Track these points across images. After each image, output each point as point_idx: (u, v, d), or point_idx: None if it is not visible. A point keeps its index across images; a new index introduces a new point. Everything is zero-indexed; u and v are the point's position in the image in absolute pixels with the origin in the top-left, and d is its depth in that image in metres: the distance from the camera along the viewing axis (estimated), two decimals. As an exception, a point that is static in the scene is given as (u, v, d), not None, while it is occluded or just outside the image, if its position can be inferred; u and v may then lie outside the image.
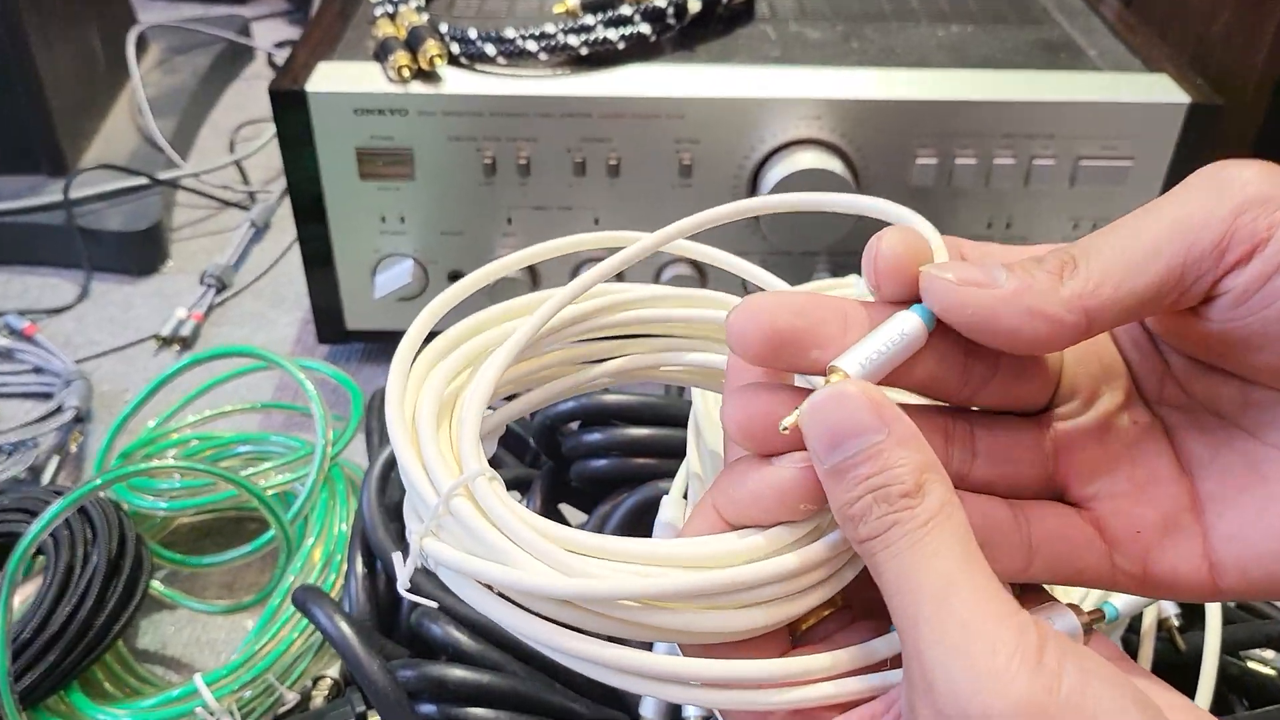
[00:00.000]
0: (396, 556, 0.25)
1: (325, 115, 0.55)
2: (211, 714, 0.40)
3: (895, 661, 0.23)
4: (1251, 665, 0.43)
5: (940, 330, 0.23)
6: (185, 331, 0.65)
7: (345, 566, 0.43)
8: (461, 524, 0.23)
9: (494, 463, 0.46)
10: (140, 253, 0.70)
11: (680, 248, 0.31)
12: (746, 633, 0.23)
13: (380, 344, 0.65)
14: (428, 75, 0.55)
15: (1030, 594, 0.25)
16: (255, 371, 0.54)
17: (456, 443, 0.25)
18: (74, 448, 0.56)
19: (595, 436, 0.40)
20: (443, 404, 0.27)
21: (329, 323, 0.62)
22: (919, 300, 0.23)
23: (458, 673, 0.34)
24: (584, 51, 0.56)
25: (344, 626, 0.33)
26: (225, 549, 0.49)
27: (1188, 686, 0.38)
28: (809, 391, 0.23)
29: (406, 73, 0.54)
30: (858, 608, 0.25)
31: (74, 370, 0.60)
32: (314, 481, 0.45)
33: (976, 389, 0.24)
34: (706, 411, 0.34)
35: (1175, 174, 0.57)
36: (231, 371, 0.53)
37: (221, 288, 0.69)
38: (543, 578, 0.22)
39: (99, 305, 0.68)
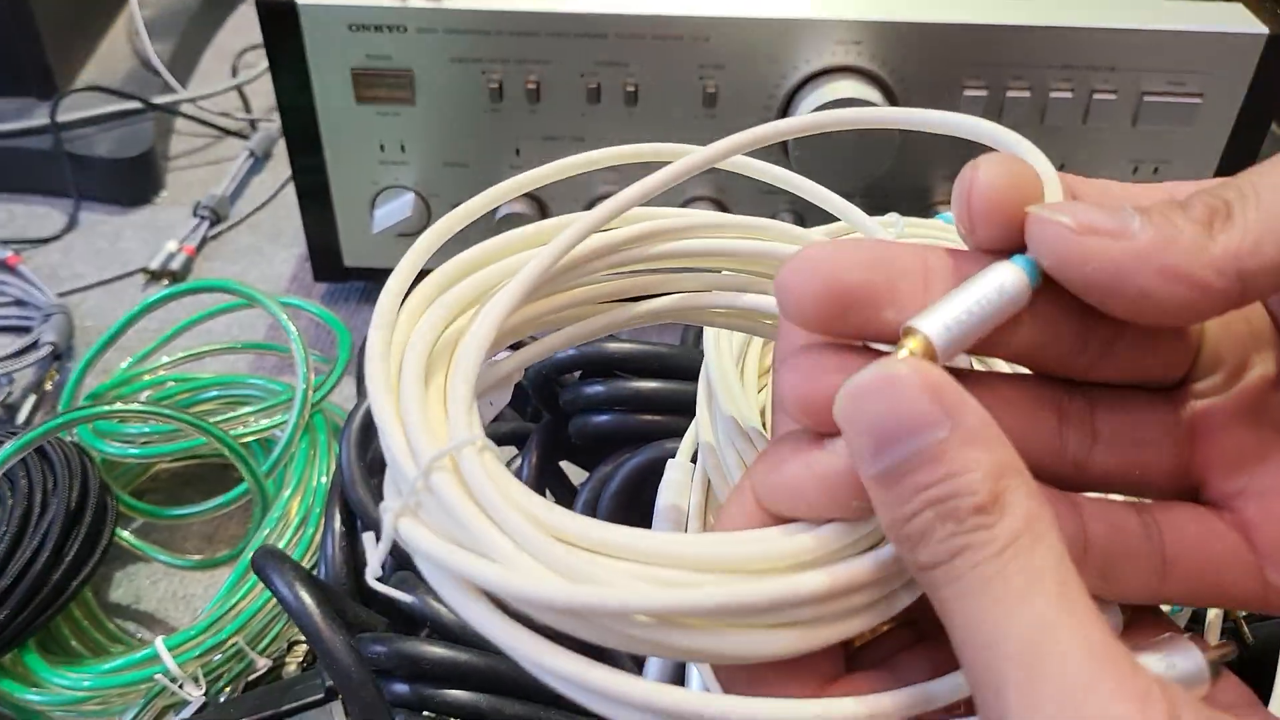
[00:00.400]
0: (368, 538, 0.21)
1: (318, 31, 0.50)
2: (174, 680, 0.37)
3: (966, 707, 0.18)
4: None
5: (1049, 287, 0.18)
6: (175, 265, 0.61)
7: (323, 523, 0.40)
8: (442, 504, 0.19)
9: (494, 416, 0.43)
10: (131, 181, 0.67)
11: (739, 165, 0.26)
12: (779, 656, 0.18)
13: (379, 283, 0.61)
14: (429, -11, 0.51)
15: (1141, 616, 0.20)
16: (240, 309, 0.51)
17: (449, 402, 0.21)
18: (50, 386, 0.53)
19: (597, 389, 0.36)
20: (437, 352, 0.22)
21: (325, 259, 0.58)
22: (1023, 249, 0.18)
23: (434, 650, 0.31)
24: (600, -35, 0.51)
25: (304, 595, 0.30)
26: (210, 497, 0.45)
27: (1258, 683, 0.34)
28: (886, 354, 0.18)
29: (405, -15, 0.50)
30: (925, 622, 0.20)
31: (55, 304, 0.57)
32: (293, 429, 0.42)
33: (1095, 359, 0.19)
34: (720, 366, 0.29)
35: (1249, 114, 0.52)
36: (213, 308, 0.50)
37: (216, 220, 0.66)
38: (537, 581, 0.18)
39: (87, 236, 0.65)
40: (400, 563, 0.36)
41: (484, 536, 0.18)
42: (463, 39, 0.51)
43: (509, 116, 0.53)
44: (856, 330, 0.18)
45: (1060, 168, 0.57)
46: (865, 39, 0.50)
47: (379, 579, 0.21)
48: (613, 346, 0.36)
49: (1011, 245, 0.18)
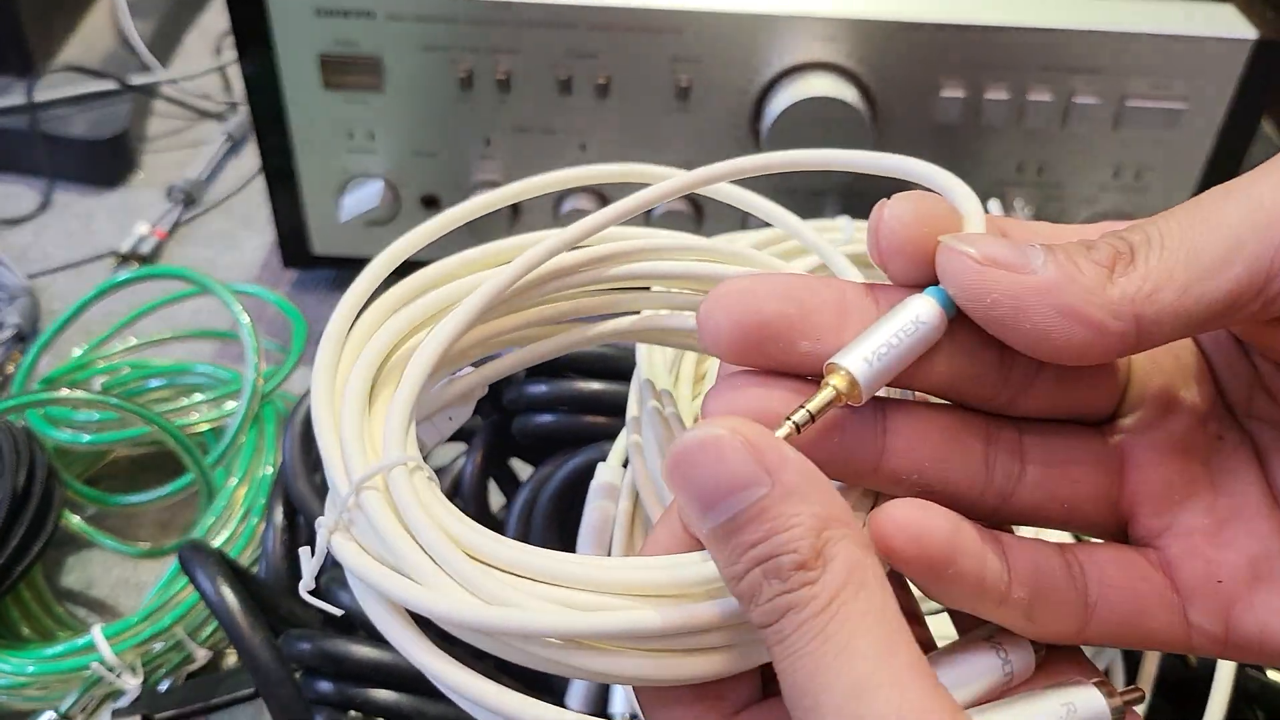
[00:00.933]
0: (304, 552, 0.22)
1: (285, 15, 0.50)
2: (110, 669, 0.36)
3: None
4: (1272, 676, 0.38)
5: (966, 321, 0.18)
6: (145, 249, 0.61)
7: (264, 517, 0.39)
8: (370, 523, 0.20)
9: (453, 431, 0.42)
10: (105, 162, 0.66)
11: (713, 191, 0.27)
12: (685, 680, 0.19)
13: (350, 271, 0.60)
14: (399, -26, 0.50)
15: (1059, 655, 0.20)
16: (204, 296, 0.50)
17: (386, 421, 0.22)
18: (11, 368, 0.52)
19: (541, 389, 0.35)
20: (388, 370, 0.23)
21: (294, 246, 0.58)
22: (937, 281, 0.18)
23: (360, 649, 0.30)
24: (574, -46, 0.50)
25: (225, 592, 0.29)
26: (166, 484, 0.45)
27: (1199, 704, 0.33)
28: (812, 384, 0.18)
29: (374, -30, 0.49)
30: None
31: (22, 285, 0.57)
32: (240, 419, 0.41)
33: (1016, 393, 0.19)
34: (651, 367, 0.29)
35: (1236, 119, 0.51)
36: (175, 294, 0.49)
37: (189, 203, 0.65)
38: (452, 601, 0.18)
39: (60, 217, 0.64)
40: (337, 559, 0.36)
41: (407, 556, 0.19)
42: (432, 27, 0.50)
43: (479, 106, 0.52)
44: (774, 362, 0.19)
45: (1039, 172, 0.55)
46: (841, 35, 0.49)
47: (311, 591, 0.21)
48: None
49: (928, 278, 0.18)
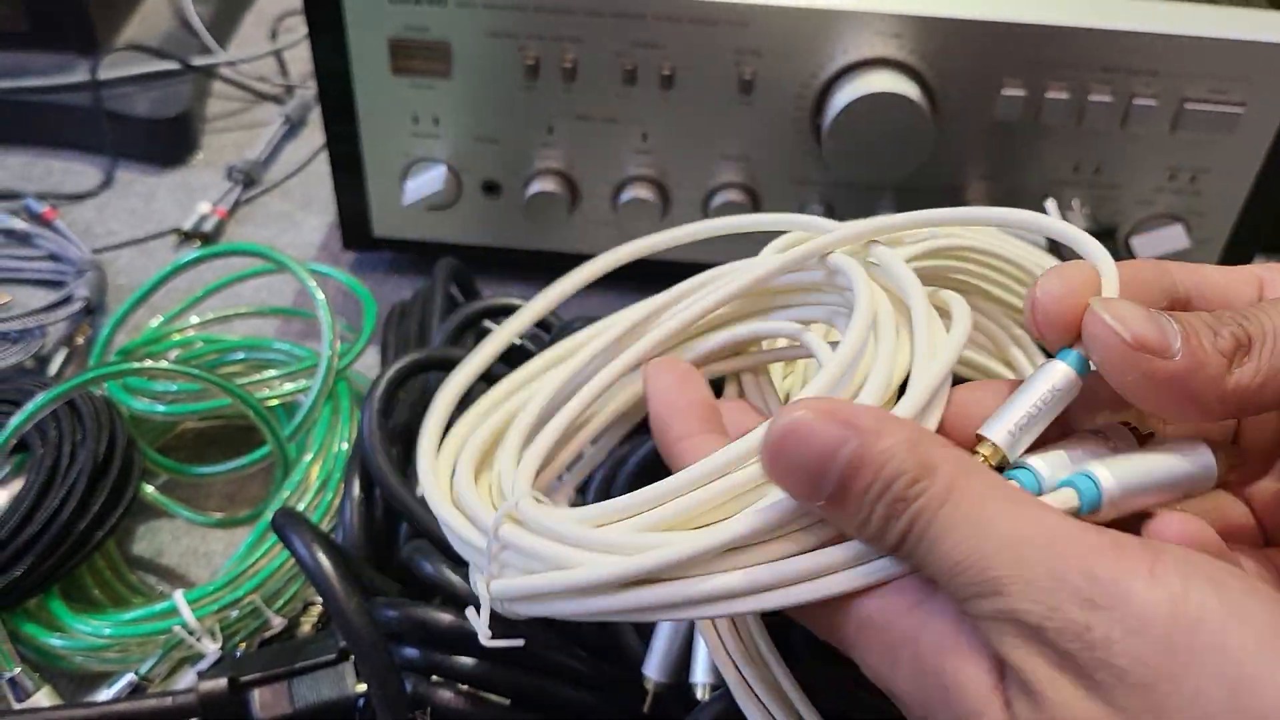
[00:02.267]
0: (470, 612, 0.26)
1: (357, 1, 0.51)
2: (191, 633, 0.38)
3: None
4: None
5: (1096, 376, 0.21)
6: (207, 228, 0.62)
7: (342, 488, 0.40)
8: (518, 551, 0.24)
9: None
10: (167, 141, 0.67)
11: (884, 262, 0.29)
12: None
13: (408, 254, 0.62)
14: (471, -37, 0.51)
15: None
16: (271, 274, 0.51)
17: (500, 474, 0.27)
18: (81, 340, 0.54)
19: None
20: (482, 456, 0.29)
21: (355, 228, 0.59)
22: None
23: (444, 617, 0.31)
24: (642, -54, 0.51)
25: (321, 558, 0.30)
26: (231, 458, 0.46)
27: None
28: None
29: (447, -42, 0.50)
30: None
31: (89, 259, 0.58)
32: (316, 395, 0.42)
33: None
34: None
35: (1292, 124, 0.51)
36: (245, 271, 0.50)
37: (249, 184, 0.66)
38: (610, 566, 0.21)
39: (122, 194, 0.66)
40: (416, 530, 0.37)
41: (559, 555, 0.22)
42: (501, 14, 0.51)
43: (543, 94, 0.53)
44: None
45: (1095, 171, 0.55)
46: (905, 32, 0.50)
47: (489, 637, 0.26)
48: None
49: (1075, 336, 0.21)
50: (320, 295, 0.44)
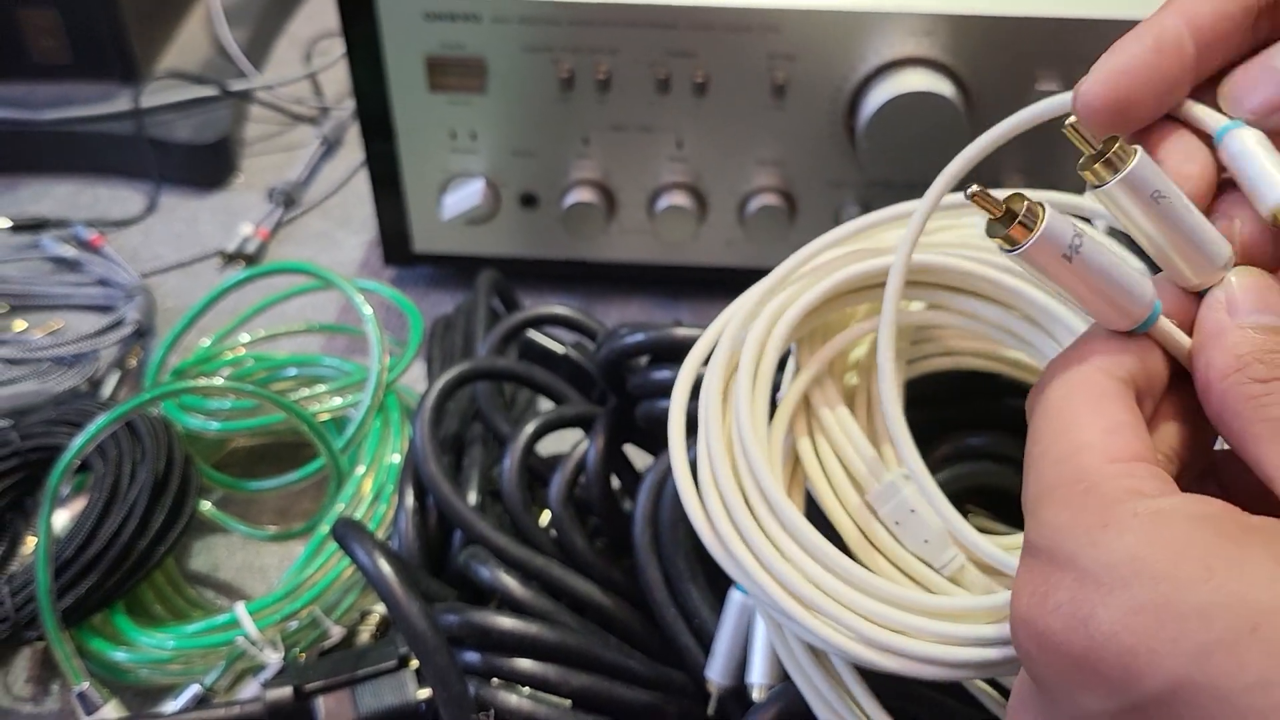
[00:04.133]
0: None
1: (394, 20, 0.52)
2: (253, 643, 0.38)
3: None
4: None
5: None
6: (250, 249, 0.63)
7: (395, 499, 0.41)
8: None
9: (556, 398, 0.44)
10: (208, 166, 0.68)
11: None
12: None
13: (448, 269, 0.62)
14: (504, -21, 0.51)
15: None
16: (315, 291, 0.52)
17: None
18: (134, 362, 0.55)
19: (665, 374, 0.36)
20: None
21: (395, 245, 0.60)
22: None
23: (504, 621, 0.32)
24: (672, -44, 0.51)
25: (383, 565, 0.31)
26: (282, 473, 0.47)
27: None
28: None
29: (481, -25, 0.50)
30: None
31: (138, 283, 0.59)
32: (367, 409, 0.43)
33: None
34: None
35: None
36: (290, 290, 0.51)
37: (289, 204, 0.67)
38: None
39: (166, 219, 0.67)
40: (470, 537, 0.37)
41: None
42: (535, 28, 0.51)
43: (578, 106, 0.54)
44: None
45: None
46: (937, 31, 0.50)
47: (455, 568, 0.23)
48: (681, 332, 0.37)
49: None
50: (368, 310, 0.44)
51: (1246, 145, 0.22)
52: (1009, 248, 0.21)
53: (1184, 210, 0.21)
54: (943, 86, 0.50)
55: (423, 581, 0.35)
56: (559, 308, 0.45)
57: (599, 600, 0.37)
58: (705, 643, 0.34)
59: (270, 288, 0.56)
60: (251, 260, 0.63)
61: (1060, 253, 0.21)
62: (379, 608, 0.40)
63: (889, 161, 0.52)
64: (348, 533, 0.32)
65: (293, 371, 0.48)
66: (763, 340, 0.28)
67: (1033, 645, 0.19)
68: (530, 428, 0.39)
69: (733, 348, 0.29)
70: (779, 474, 0.27)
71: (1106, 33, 0.49)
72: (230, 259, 0.63)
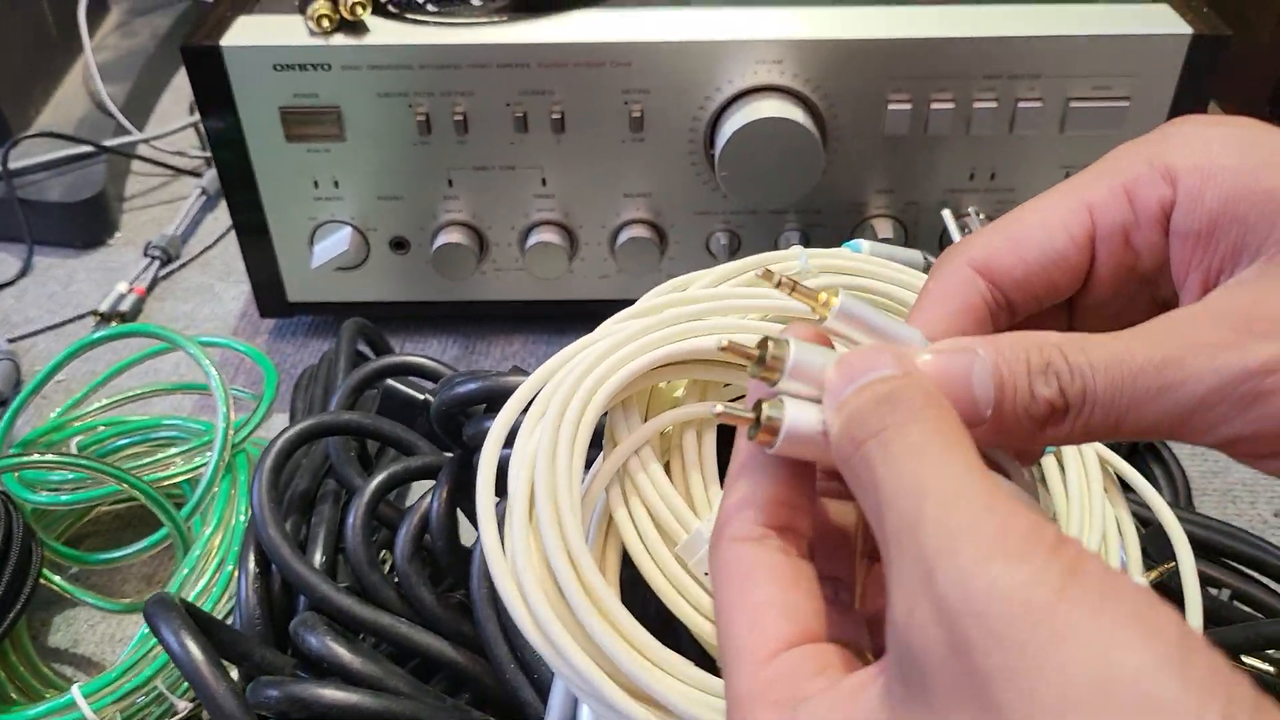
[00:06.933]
0: None
1: (243, 72, 0.51)
2: (93, 726, 0.37)
3: None
4: (1247, 662, 0.38)
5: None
6: (125, 307, 0.62)
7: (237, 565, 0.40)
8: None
9: (405, 449, 0.43)
10: (84, 224, 0.67)
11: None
12: None
13: (328, 316, 0.62)
14: (352, 25, 0.51)
15: None
16: (173, 351, 0.51)
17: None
18: (-7, 433, 0.53)
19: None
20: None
21: (270, 296, 0.59)
22: None
23: (326, 693, 0.31)
24: (521, -5, 0.51)
25: (190, 645, 0.30)
26: (145, 538, 0.46)
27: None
28: None
29: (327, 23, 0.50)
30: None
31: (3, 351, 0.58)
32: (213, 470, 0.42)
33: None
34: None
35: (1177, 114, 0.51)
36: (150, 349, 0.50)
37: (168, 260, 0.66)
38: None
39: (40, 280, 0.66)
40: (312, 602, 0.36)
41: None
42: (387, 74, 0.51)
43: (439, 148, 0.53)
44: None
45: (991, 177, 0.55)
46: (786, 58, 0.50)
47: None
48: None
49: None
50: (212, 370, 0.43)
51: (852, 307, 0.23)
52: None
53: None
54: (793, 112, 0.50)
55: (256, 653, 0.34)
56: (408, 357, 0.44)
57: (449, 656, 0.36)
58: (546, 697, 0.33)
59: (138, 348, 0.55)
60: (126, 318, 0.62)
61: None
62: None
63: (748, 188, 0.52)
64: (156, 612, 0.31)
65: (145, 436, 0.47)
66: (576, 422, 0.28)
67: None
68: (375, 482, 0.39)
69: (546, 424, 0.28)
70: (585, 547, 0.27)
71: (953, 52, 0.50)
72: (104, 319, 0.62)
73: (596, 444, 0.31)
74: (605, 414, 0.31)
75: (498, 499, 0.28)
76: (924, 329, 0.23)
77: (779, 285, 0.23)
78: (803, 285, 0.23)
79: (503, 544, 0.27)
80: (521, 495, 0.27)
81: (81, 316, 0.62)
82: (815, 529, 0.22)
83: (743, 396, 0.34)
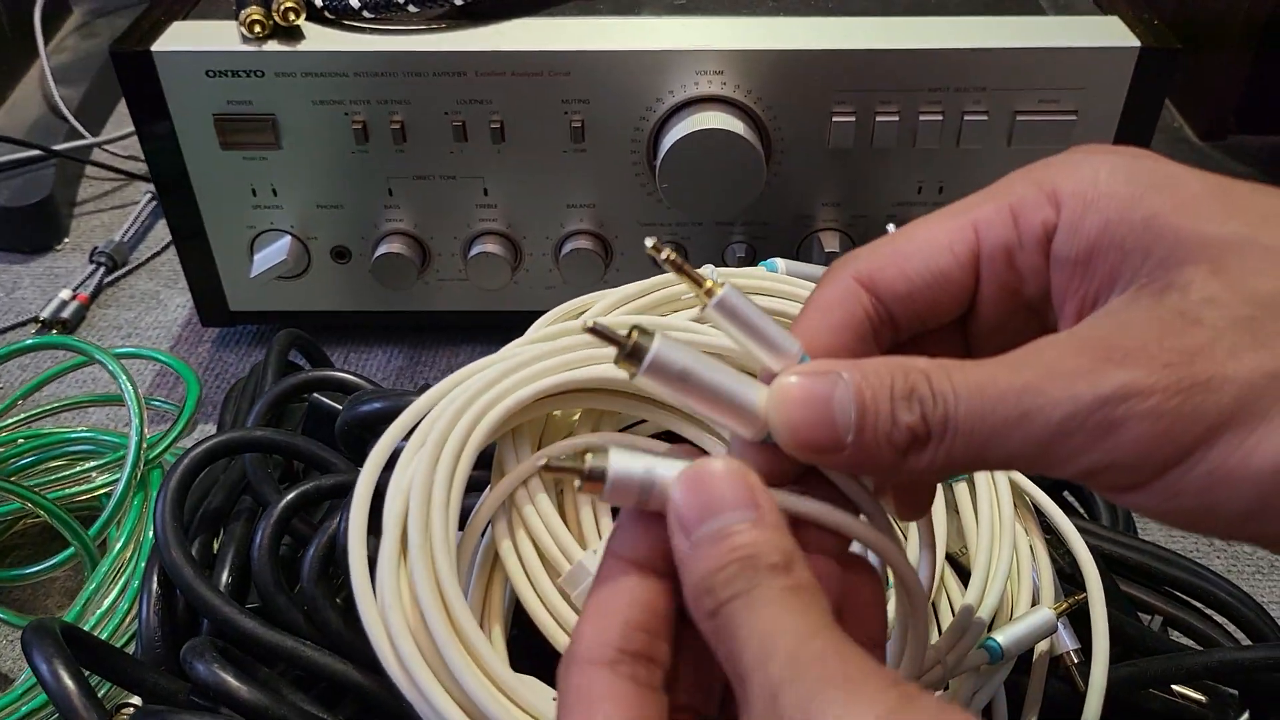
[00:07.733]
0: None
1: (175, 79, 0.50)
2: (-12, 751, 0.36)
3: None
4: (1179, 691, 0.37)
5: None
6: (67, 314, 0.61)
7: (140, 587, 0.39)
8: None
9: (320, 466, 0.42)
10: (30, 229, 0.66)
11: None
12: None
13: (270, 326, 0.61)
14: (286, 32, 0.50)
15: None
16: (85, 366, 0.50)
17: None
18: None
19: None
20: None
21: (211, 305, 0.58)
22: None
23: (206, 722, 0.30)
24: (459, 1, 0.50)
25: (62, 675, 0.29)
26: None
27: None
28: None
29: (259, 29, 0.49)
30: None
31: (-62, 358, 0.57)
32: (125, 486, 0.41)
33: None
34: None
35: (1128, 128, 0.50)
36: (64, 364, 0.49)
37: (114, 266, 0.65)
38: None
39: (-16, 286, 0.65)
40: (214, 625, 0.35)
41: None
42: (322, 82, 0.50)
43: (377, 157, 0.52)
44: None
45: (939, 191, 0.54)
46: (727, 68, 0.49)
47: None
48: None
49: None
50: (129, 384, 0.43)
51: (734, 301, 0.22)
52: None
53: (714, 379, 0.21)
54: (733, 123, 0.49)
55: (149, 679, 0.34)
56: (329, 371, 0.43)
57: (354, 680, 0.35)
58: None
59: (61, 359, 0.54)
60: (68, 326, 0.61)
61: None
62: (135, 700, 0.38)
63: (691, 199, 0.51)
64: (31, 639, 0.30)
65: (59, 450, 0.46)
66: (456, 454, 0.27)
67: None
68: (284, 500, 0.38)
69: (427, 451, 0.28)
70: (455, 584, 0.26)
71: (898, 63, 0.49)
72: (46, 326, 0.61)
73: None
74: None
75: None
76: (803, 338, 0.22)
77: (666, 262, 0.22)
78: (688, 266, 0.22)
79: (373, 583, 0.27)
80: (393, 530, 0.27)
81: (24, 323, 0.61)
82: (681, 658, 0.21)
83: (637, 424, 0.33)
